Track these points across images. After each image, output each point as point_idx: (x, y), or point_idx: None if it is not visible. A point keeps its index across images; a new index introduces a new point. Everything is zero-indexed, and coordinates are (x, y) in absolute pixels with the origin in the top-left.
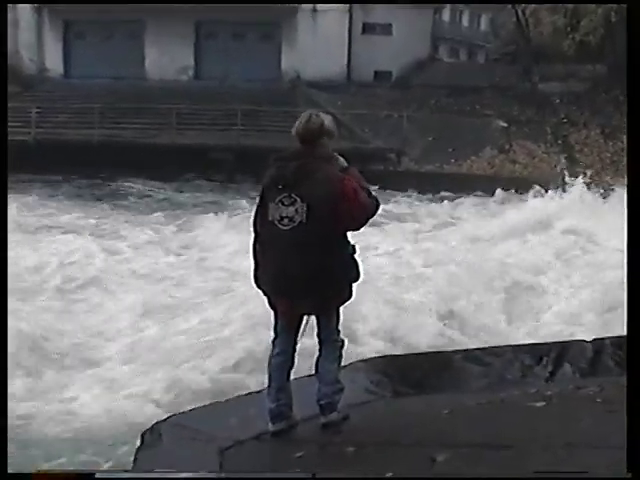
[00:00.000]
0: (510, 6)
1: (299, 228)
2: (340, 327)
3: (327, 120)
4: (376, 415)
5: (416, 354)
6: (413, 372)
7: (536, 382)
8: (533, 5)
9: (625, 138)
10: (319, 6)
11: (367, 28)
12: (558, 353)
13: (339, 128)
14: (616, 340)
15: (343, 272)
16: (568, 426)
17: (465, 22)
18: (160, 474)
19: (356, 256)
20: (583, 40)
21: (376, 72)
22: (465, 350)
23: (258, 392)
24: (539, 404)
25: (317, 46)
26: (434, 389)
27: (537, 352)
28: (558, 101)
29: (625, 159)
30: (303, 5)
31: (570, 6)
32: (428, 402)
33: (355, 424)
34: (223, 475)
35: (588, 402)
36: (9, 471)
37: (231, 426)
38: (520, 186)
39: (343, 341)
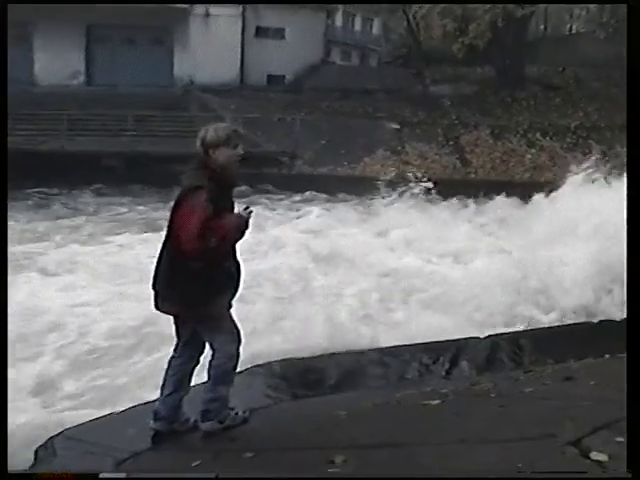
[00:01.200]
0: (401, 10)
1: (166, 238)
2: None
3: (211, 132)
4: (274, 419)
5: (313, 357)
6: (310, 375)
7: (432, 380)
8: (424, 9)
9: (514, 139)
10: (211, 10)
11: (260, 32)
12: (454, 351)
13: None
14: (510, 336)
15: (188, 287)
16: (462, 422)
17: (357, 26)
18: (163, 475)
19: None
20: (472, 44)
21: (269, 76)
22: (362, 351)
23: (154, 401)
24: (434, 402)
25: (210, 50)
26: (332, 391)
27: (434, 351)
28: (449, 103)
29: (514, 159)
30: (195, 9)
31: (459, 11)
32: (326, 404)
33: (253, 429)
34: (223, 476)
35: (482, 398)
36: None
37: (128, 437)
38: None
39: (229, 356)
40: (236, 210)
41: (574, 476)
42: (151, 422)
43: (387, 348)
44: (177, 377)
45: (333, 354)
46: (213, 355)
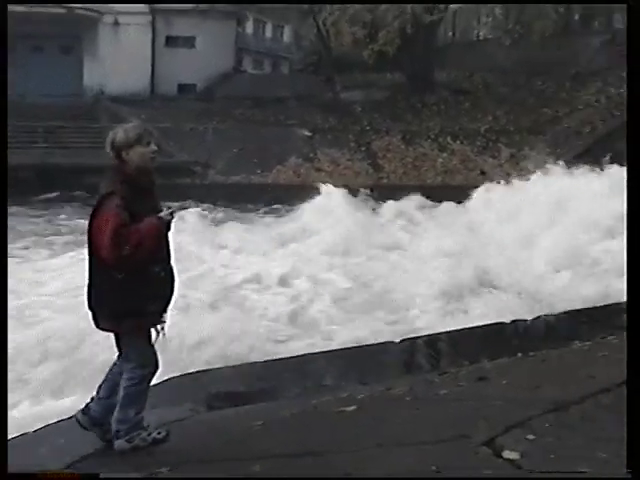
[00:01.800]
0: (312, 17)
1: (88, 250)
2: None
3: (120, 134)
4: (191, 432)
5: (228, 367)
6: (226, 385)
7: (349, 386)
8: (333, 16)
9: (425, 143)
10: (121, 19)
11: (170, 41)
12: (371, 355)
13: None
14: (426, 339)
15: (102, 299)
16: (378, 427)
17: (268, 34)
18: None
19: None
20: (382, 50)
21: (180, 85)
22: (278, 359)
23: (69, 419)
24: (350, 408)
25: (120, 60)
26: (248, 401)
27: (351, 356)
28: (360, 109)
29: (426, 163)
30: (104, 18)
31: (369, 17)
32: (243, 415)
33: (169, 443)
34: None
35: (398, 402)
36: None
37: (41, 456)
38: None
39: (140, 378)
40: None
41: (574, 476)
42: (79, 413)
43: (304, 355)
44: (111, 384)
45: (248, 364)
46: (125, 374)
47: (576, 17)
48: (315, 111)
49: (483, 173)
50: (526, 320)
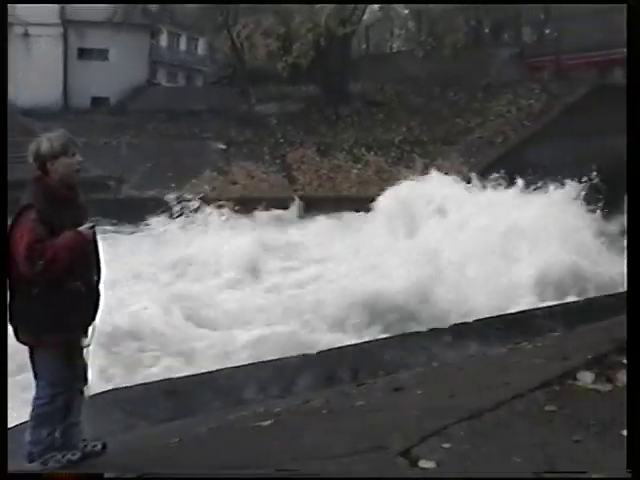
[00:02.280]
0: (226, 30)
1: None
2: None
3: (45, 143)
4: (107, 451)
5: (144, 384)
6: (143, 403)
7: (267, 400)
8: (247, 29)
9: (339, 155)
10: (31, 30)
11: (83, 53)
12: (289, 368)
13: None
14: (342, 350)
15: (20, 313)
16: (294, 441)
17: (183, 46)
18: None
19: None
20: (296, 62)
21: (93, 98)
22: (195, 375)
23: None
24: (267, 422)
25: (31, 72)
26: (165, 418)
27: (269, 369)
28: (275, 121)
29: (340, 175)
30: (14, 29)
31: (282, 30)
32: (158, 432)
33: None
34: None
35: (314, 415)
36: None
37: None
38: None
39: (50, 398)
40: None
41: (574, 476)
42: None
43: (222, 369)
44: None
45: (164, 380)
46: (35, 392)
47: (486, 30)
48: (230, 124)
49: None
50: (442, 328)
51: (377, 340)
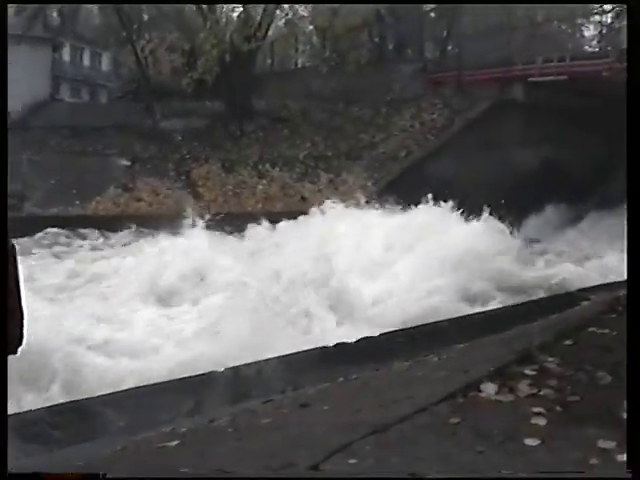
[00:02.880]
0: (130, 45)
1: None
2: None
3: None
4: None
5: (45, 407)
6: (43, 427)
7: (173, 419)
8: (152, 44)
9: (244, 171)
10: None
11: None
12: (196, 386)
13: None
14: (251, 366)
15: None
16: (200, 462)
17: (86, 61)
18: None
19: None
20: (200, 78)
21: None
22: (100, 396)
23: None
24: (173, 443)
25: None
26: (68, 442)
27: (176, 388)
28: (180, 138)
29: (246, 191)
30: None
31: (187, 46)
32: (60, 458)
33: None
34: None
35: (220, 434)
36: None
37: None
38: (144, 224)
39: None
40: None
41: (574, 476)
42: None
43: (126, 390)
44: None
45: (73, 401)
46: None
47: (390, 46)
48: (134, 140)
49: (303, 199)
50: (349, 342)
51: (286, 356)
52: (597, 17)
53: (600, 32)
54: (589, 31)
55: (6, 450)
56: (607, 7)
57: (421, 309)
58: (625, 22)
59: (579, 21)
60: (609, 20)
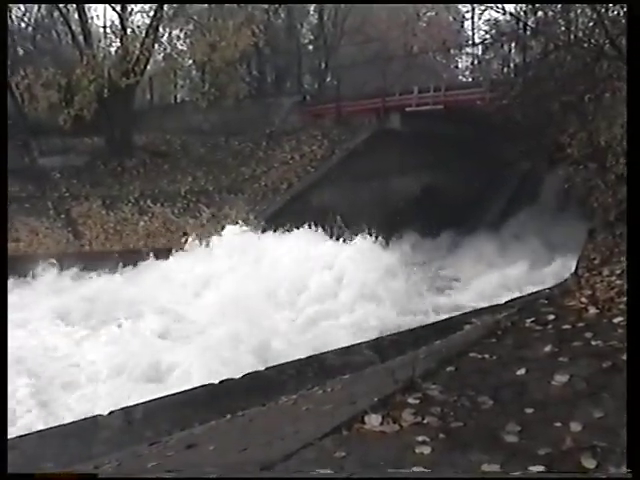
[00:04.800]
0: None
1: None
2: None
3: None
4: None
5: None
6: None
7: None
8: (27, 80)
9: (126, 208)
10: None
11: None
12: (80, 431)
13: None
14: (137, 408)
15: None
16: None
17: None
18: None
19: None
20: (78, 115)
21: None
22: None
23: None
24: None
25: None
26: None
27: (59, 435)
28: (59, 175)
29: (128, 228)
30: None
31: (63, 82)
32: None
33: None
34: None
35: None
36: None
37: None
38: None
39: None
40: None
41: (574, 476)
42: None
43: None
44: None
45: None
46: None
47: (269, 80)
48: (11, 179)
49: (185, 234)
50: (234, 378)
51: (171, 395)
52: (469, 49)
53: (472, 63)
54: (462, 62)
55: (6, 450)
56: (477, 40)
57: None
58: (492, 55)
59: (452, 52)
60: (479, 52)
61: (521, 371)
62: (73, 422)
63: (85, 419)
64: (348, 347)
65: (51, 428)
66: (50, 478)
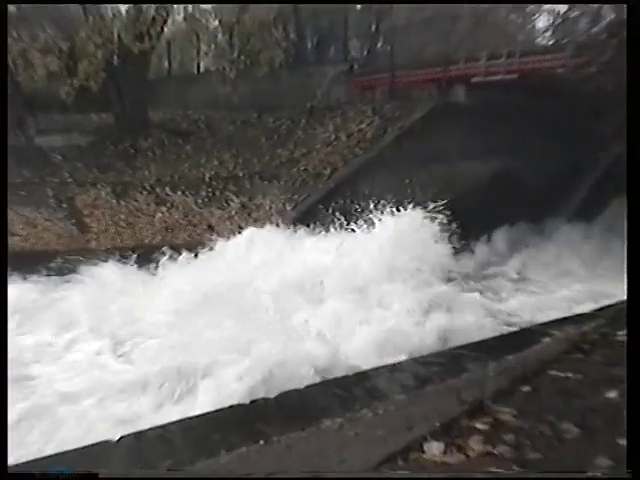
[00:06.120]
0: None
1: None
2: None
3: None
4: None
5: None
6: None
7: None
8: (21, 44)
9: (140, 196)
10: None
11: None
12: (90, 459)
13: None
14: (156, 432)
15: None
16: None
17: None
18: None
19: None
20: (83, 86)
21: None
22: None
23: None
24: None
25: None
26: None
27: (69, 460)
28: (60, 157)
29: (142, 220)
30: None
31: (66, 46)
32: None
33: None
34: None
35: None
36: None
37: None
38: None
39: None
40: None
41: (574, 476)
42: None
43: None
44: None
45: None
46: None
47: (309, 45)
48: None
49: (211, 227)
50: (268, 398)
51: (191, 418)
52: (549, 5)
53: (553, 22)
54: (541, 21)
55: (6, 450)
56: None
57: None
58: (578, 12)
59: (529, 9)
60: (564, 8)
61: (613, 393)
62: (84, 447)
63: (96, 444)
64: (399, 362)
65: (57, 454)
66: (50, 478)
